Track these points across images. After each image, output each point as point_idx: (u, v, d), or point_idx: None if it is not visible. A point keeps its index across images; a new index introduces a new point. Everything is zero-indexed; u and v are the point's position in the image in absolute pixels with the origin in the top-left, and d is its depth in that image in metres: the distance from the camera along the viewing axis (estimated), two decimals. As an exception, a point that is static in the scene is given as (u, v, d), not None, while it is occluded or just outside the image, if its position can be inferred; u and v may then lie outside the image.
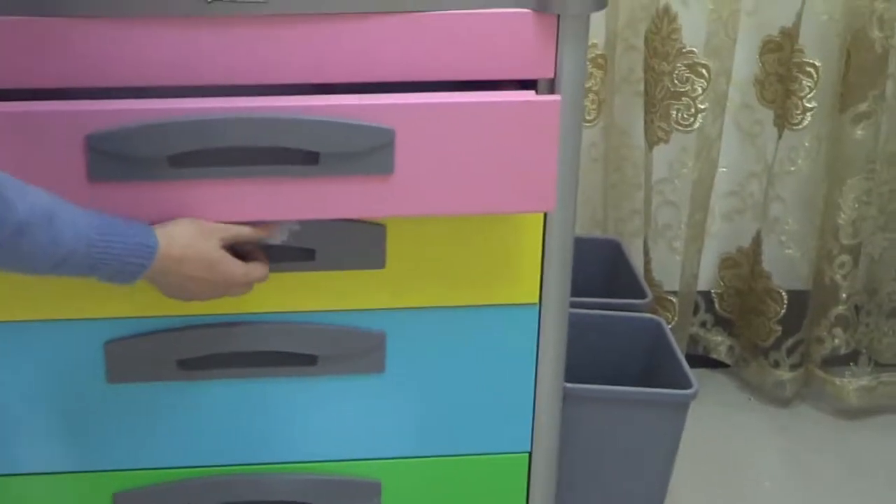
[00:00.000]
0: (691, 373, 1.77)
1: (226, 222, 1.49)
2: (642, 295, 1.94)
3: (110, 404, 1.57)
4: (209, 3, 1.42)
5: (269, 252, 1.52)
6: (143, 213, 1.46)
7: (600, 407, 1.71)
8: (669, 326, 2.47)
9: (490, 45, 1.48)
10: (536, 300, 1.59)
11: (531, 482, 1.69)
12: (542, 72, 1.50)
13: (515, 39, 1.48)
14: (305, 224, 1.50)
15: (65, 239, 1.36)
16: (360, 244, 1.54)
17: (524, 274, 1.59)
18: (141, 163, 1.43)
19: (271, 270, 1.52)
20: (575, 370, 1.76)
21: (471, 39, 1.48)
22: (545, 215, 1.57)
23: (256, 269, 1.51)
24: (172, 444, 1.62)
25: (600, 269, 2.06)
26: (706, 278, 2.59)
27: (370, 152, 1.46)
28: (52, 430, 1.58)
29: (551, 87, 1.51)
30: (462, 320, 1.59)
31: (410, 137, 1.46)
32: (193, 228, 1.46)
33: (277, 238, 1.53)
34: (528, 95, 1.48)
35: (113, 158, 1.43)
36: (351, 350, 1.57)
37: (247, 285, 1.51)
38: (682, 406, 1.75)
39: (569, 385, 1.64)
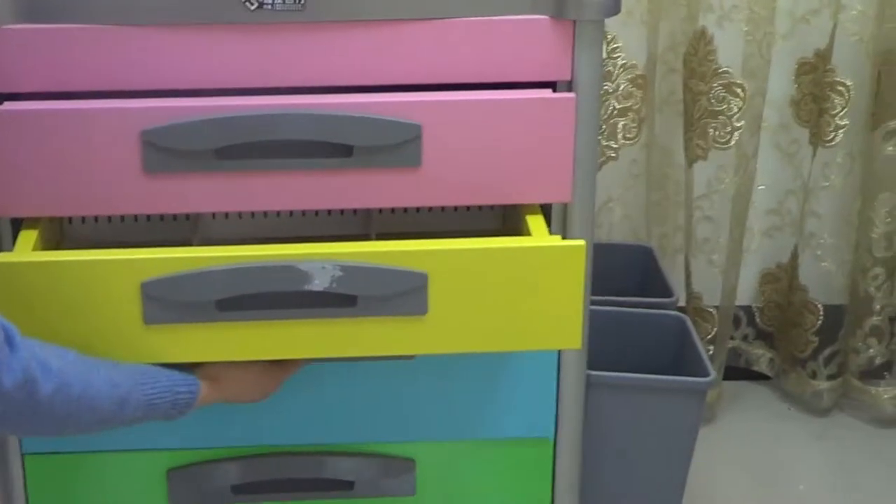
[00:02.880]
0: (710, 364, 1.87)
1: (266, 213, 1.63)
2: (669, 294, 2.05)
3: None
4: (252, 10, 1.56)
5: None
6: (193, 201, 1.59)
7: (622, 394, 1.81)
8: (709, 337, 2.57)
9: (511, 49, 1.60)
10: (579, 344, 1.63)
11: (556, 466, 1.79)
12: (560, 73, 1.62)
13: (534, 44, 1.60)
14: (347, 270, 1.54)
15: (121, 378, 1.49)
16: (401, 289, 1.57)
17: (568, 316, 1.60)
18: (191, 156, 1.57)
19: (314, 317, 1.57)
20: (604, 365, 1.86)
21: (493, 44, 1.60)
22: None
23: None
24: (225, 424, 1.73)
25: (633, 275, 2.17)
26: (747, 293, 2.68)
27: (400, 146, 1.58)
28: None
29: (569, 88, 1.63)
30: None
31: (436, 132, 1.58)
32: (235, 372, 1.63)
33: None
34: (546, 93, 1.60)
35: (165, 152, 1.56)
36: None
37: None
38: (700, 393, 1.85)
39: (592, 373, 1.75)
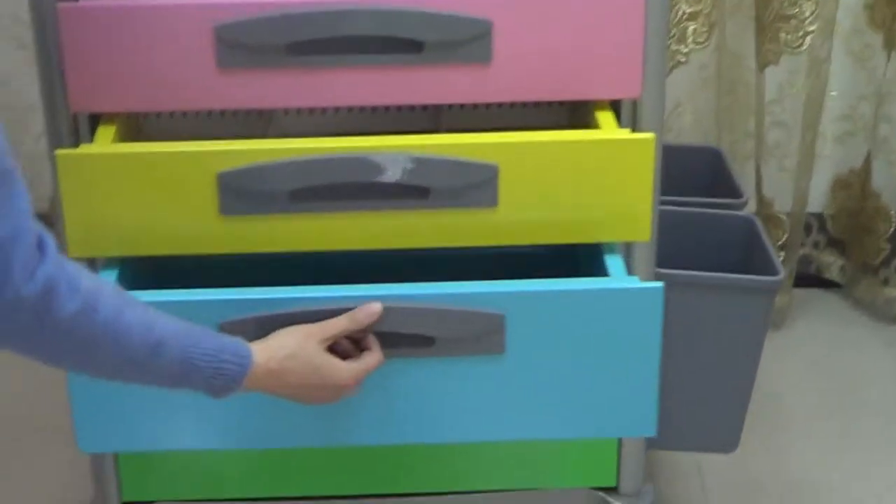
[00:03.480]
0: (780, 264, 1.87)
1: (338, 108, 1.64)
2: (739, 195, 2.05)
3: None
4: None
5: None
6: (265, 96, 1.62)
7: (691, 292, 1.82)
8: (780, 243, 2.58)
9: (580, -53, 1.61)
10: (648, 237, 1.64)
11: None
12: (629, -30, 1.62)
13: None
14: (419, 162, 1.56)
15: (160, 324, 1.35)
16: (472, 181, 1.58)
17: (637, 210, 1.62)
18: (262, 50, 1.59)
19: (386, 209, 1.57)
20: (671, 266, 1.87)
21: (563, -60, 1.61)
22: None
23: (364, 362, 1.51)
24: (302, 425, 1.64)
25: (702, 178, 2.17)
26: (819, 200, 2.68)
27: (470, 41, 1.60)
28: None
29: (637, -17, 1.63)
30: (582, 301, 1.56)
31: (507, 28, 1.59)
32: (291, 338, 1.48)
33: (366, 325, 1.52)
34: (615, -12, 1.61)
35: (238, 47, 1.59)
36: (470, 332, 1.55)
37: (357, 384, 1.51)
38: (769, 292, 1.86)
39: (661, 270, 1.76)
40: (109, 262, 1.63)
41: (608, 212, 1.60)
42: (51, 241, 1.25)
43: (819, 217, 2.70)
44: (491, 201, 1.58)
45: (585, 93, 1.65)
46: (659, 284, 1.53)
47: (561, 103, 1.82)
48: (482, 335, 1.54)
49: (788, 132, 2.53)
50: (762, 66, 2.49)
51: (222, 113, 1.81)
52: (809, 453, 2.30)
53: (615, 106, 1.69)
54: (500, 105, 1.83)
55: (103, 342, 1.30)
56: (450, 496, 1.87)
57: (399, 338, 1.53)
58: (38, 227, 1.24)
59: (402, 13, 1.58)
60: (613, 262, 1.63)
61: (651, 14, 1.62)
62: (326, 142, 1.57)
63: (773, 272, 1.87)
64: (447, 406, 1.59)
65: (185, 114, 1.80)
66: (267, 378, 1.45)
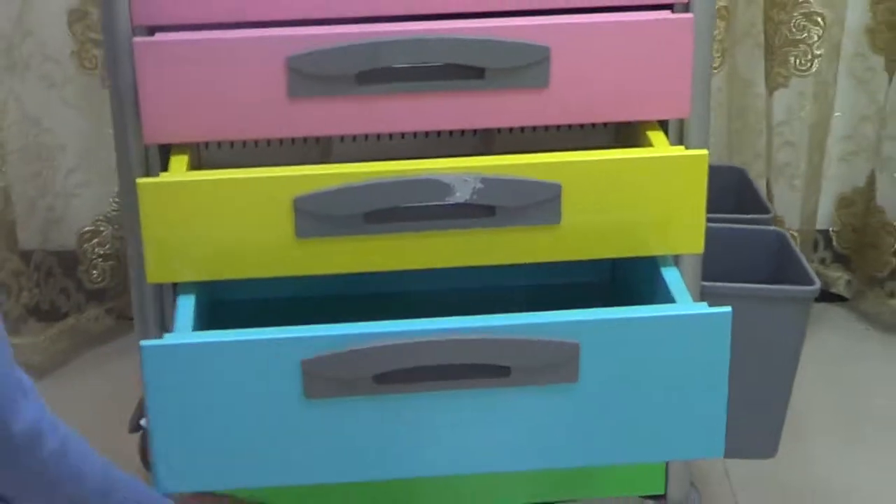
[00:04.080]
0: (814, 274, 1.96)
1: (391, 135, 1.73)
2: (766, 211, 2.13)
3: (307, 419, 1.60)
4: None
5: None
6: (333, 124, 1.69)
7: (734, 304, 1.89)
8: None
9: (630, -27, 1.69)
10: (701, 249, 1.72)
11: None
12: (677, -6, 1.71)
13: (652, -33, 1.70)
14: (487, 182, 1.63)
15: (113, 471, 1.51)
16: (537, 200, 1.65)
17: (692, 223, 1.70)
18: (332, 80, 1.66)
19: (455, 228, 1.65)
20: (709, 280, 1.94)
21: (613, -32, 1.69)
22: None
23: None
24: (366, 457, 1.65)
25: (728, 196, 2.25)
26: (824, 218, 2.77)
27: (529, 67, 1.68)
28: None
29: (686, 9, 1.72)
30: (655, 328, 1.61)
31: (563, 53, 1.67)
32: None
33: None
34: (665, 14, 1.69)
35: (308, 77, 1.66)
36: (546, 361, 1.59)
37: None
38: (806, 301, 1.94)
39: (706, 283, 1.84)
40: (185, 288, 1.69)
41: (665, 225, 1.68)
42: (31, 382, 1.40)
43: (825, 233, 2.80)
44: (554, 218, 1.66)
45: (637, 114, 1.73)
46: (728, 309, 1.59)
47: (606, 125, 1.89)
48: (558, 364, 1.59)
49: (796, 152, 2.62)
50: (772, 89, 2.58)
51: (281, 142, 1.88)
52: (828, 459, 2.39)
53: (663, 126, 1.77)
54: (546, 128, 1.90)
55: (69, 481, 1.44)
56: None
57: (476, 369, 1.59)
58: (19, 373, 1.39)
59: (465, 42, 1.66)
60: (671, 276, 1.70)
61: (698, 39, 1.70)
62: (398, 165, 1.64)
63: (810, 282, 1.95)
64: (521, 435, 1.64)
65: (244, 144, 1.87)
66: None
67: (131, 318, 2.72)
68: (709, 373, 1.62)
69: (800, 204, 2.68)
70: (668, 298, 1.67)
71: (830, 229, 2.79)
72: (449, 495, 1.88)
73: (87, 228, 2.71)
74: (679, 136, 1.78)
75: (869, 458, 2.41)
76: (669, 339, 1.60)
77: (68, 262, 2.71)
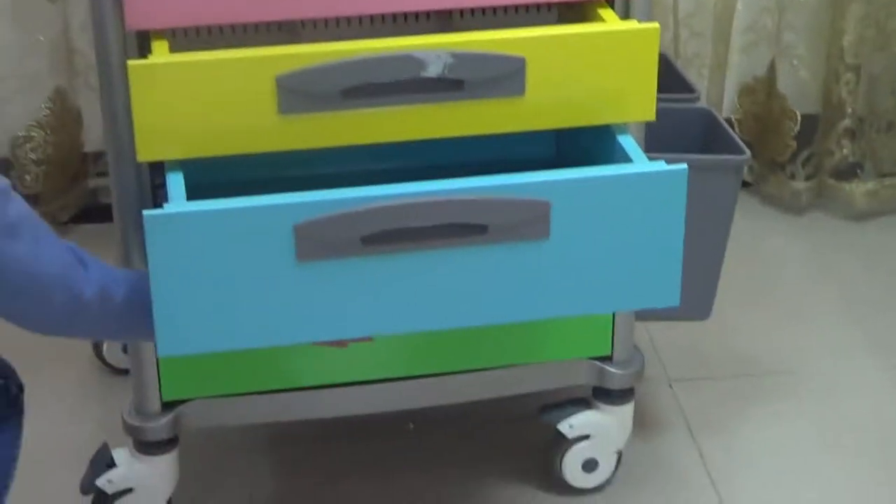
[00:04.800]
0: (744, 145, 2.11)
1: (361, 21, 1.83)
2: (692, 91, 2.28)
3: (300, 281, 1.69)
4: None
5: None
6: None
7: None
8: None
9: None
10: (654, 116, 1.84)
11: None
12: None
13: None
14: (457, 57, 1.73)
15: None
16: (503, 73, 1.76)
17: (646, 92, 1.82)
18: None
19: (427, 102, 1.75)
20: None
21: None
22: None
23: None
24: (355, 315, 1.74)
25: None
26: (727, 106, 2.94)
27: None
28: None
29: None
30: (619, 186, 1.73)
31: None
32: None
33: None
34: None
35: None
36: (519, 219, 1.71)
37: None
38: (738, 168, 2.10)
39: (648, 155, 1.97)
40: (173, 166, 1.78)
41: (621, 95, 1.81)
42: (80, 249, 1.63)
43: (727, 122, 2.95)
44: (519, 90, 1.78)
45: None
46: (683, 166, 1.73)
47: (550, 8, 2.01)
48: (531, 221, 1.71)
49: (705, 42, 2.78)
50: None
51: (245, 29, 1.95)
52: (745, 325, 2.57)
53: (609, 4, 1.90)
54: (494, 12, 2.01)
55: (143, 314, 1.67)
56: (459, 375, 2.07)
57: (456, 228, 1.70)
58: (69, 247, 1.61)
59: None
60: (626, 141, 1.83)
61: None
62: (374, 42, 1.75)
63: (741, 153, 2.10)
64: (498, 289, 1.76)
65: (212, 31, 1.94)
66: None
67: (65, 222, 2.82)
68: (667, 226, 1.76)
69: (705, 93, 2.83)
70: (626, 160, 1.80)
71: (733, 117, 2.95)
72: (403, 356, 2.03)
73: (20, 134, 2.76)
74: (625, 14, 1.91)
75: (782, 323, 2.60)
76: (632, 195, 1.73)
77: (1, 167, 2.76)
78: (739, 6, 2.82)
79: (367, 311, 1.74)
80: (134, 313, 1.66)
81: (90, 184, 2.92)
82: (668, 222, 1.76)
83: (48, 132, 2.77)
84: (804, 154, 2.88)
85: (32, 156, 2.78)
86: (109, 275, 1.64)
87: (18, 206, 1.52)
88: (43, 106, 2.76)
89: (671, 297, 1.80)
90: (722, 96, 2.85)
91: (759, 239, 2.87)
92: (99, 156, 2.89)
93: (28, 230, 1.53)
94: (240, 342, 1.73)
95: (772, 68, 2.86)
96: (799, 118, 2.85)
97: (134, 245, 1.89)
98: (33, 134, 2.77)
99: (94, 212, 2.90)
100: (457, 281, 1.74)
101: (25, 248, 1.52)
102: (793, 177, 2.90)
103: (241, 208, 1.66)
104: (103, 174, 2.88)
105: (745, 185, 3.00)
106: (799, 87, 2.83)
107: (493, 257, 1.73)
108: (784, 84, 2.84)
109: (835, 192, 2.93)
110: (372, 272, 1.71)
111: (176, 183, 1.74)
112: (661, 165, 1.74)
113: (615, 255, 1.76)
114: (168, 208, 1.65)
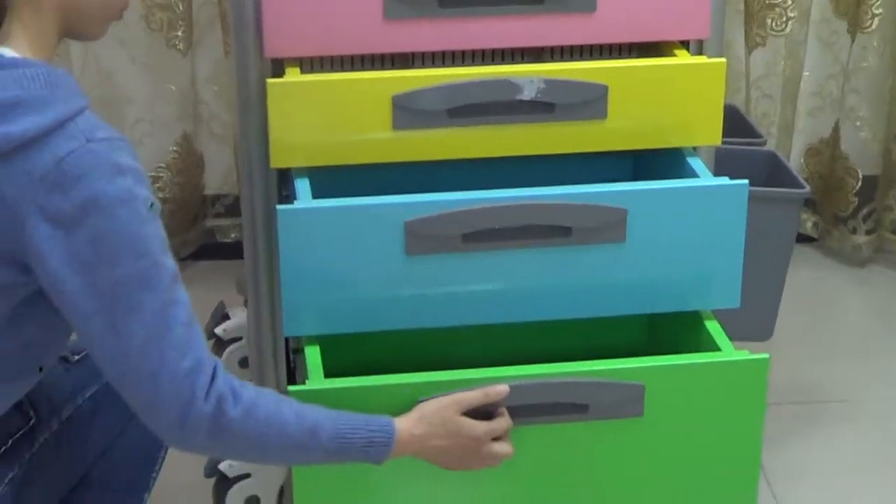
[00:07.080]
0: (804, 181, 2.36)
1: (473, 57, 2.10)
2: (758, 136, 2.53)
3: (408, 272, 1.93)
4: None
5: None
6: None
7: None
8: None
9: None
10: (720, 140, 2.09)
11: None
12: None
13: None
14: (549, 83, 1.99)
15: (312, 412, 1.67)
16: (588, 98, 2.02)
17: (713, 118, 2.06)
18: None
19: (521, 122, 2.00)
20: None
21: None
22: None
23: (499, 423, 1.77)
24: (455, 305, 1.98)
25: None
26: (793, 167, 3.18)
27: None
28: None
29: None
30: (687, 197, 1.96)
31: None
32: (431, 407, 1.76)
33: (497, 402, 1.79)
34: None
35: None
36: (599, 223, 1.94)
37: (494, 451, 1.76)
38: (798, 200, 2.34)
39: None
40: (300, 172, 2.05)
41: (691, 121, 2.06)
42: (218, 361, 1.62)
43: (795, 181, 3.20)
44: (601, 114, 2.04)
45: (667, 34, 2.11)
46: (745, 182, 1.97)
47: (631, 51, 2.27)
48: (609, 226, 1.96)
49: (774, 104, 3.03)
50: (751, 48, 2.99)
51: (372, 62, 2.22)
52: (805, 359, 2.81)
53: (684, 46, 2.15)
54: (591, 52, 2.27)
55: (267, 435, 1.63)
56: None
57: (544, 229, 1.95)
58: (211, 356, 1.62)
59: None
60: (695, 162, 2.09)
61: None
62: (478, 69, 2.03)
63: (801, 187, 2.34)
64: (578, 287, 2.00)
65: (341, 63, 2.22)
66: (412, 442, 1.73)
67: (184, 259, 3.10)
68: (729, 235, 2.00)
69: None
70: (694, 176, 2.05)
71: (800, 177, 3.18)
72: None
73: (149, 174, 3.05)
74: (698, 54, 2.17)
75: (840, 358, 2.82)
76: (699, 205, 1.98)
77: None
78: (806, 72, 3.07)
79: (464, 302, 1.99)
80: (251, 431, 1.64)
81: (208, 223, 3.20)
82: (731, 231, 2.00)
83: (174, 173, 3.05)
84: (865, 210, 3.10)
85: (160, 195, 3.06)
86: (234, 389, 1.63)
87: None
88: (171, 149, 3.04)
89: (732, 298, 2.04)
90: (789, 156, 3.09)
91: (822, 287, 3.09)
92: (217, 198, 3.18)
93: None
94: (353, 326, 1.99)
95: (836, 129, 3.10)
96: (860, 175, 3.08)
97: (260, 240, 2.14)
98: (161, 174, 3.05)
99: (211, 249, 3.18)
100: (543, 276, 1.98)
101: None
102: (854, 231, 3.13)
103: (359, 206, 1.92)
104: (220, 215, 3.18)
105: (809, 240, 3.23)
106: (861, 148, 3.07)
107: (576, 257, 1.98)
108: (847, 145, 3.08)
109: (893, 246, 3.15)
110: (470, 267, 1.96)
111: (303, 186, 2.01)
112: (724, 181, 1.99)
113: (683, 258, 2.00)
114: (297, 204, 1.92)
